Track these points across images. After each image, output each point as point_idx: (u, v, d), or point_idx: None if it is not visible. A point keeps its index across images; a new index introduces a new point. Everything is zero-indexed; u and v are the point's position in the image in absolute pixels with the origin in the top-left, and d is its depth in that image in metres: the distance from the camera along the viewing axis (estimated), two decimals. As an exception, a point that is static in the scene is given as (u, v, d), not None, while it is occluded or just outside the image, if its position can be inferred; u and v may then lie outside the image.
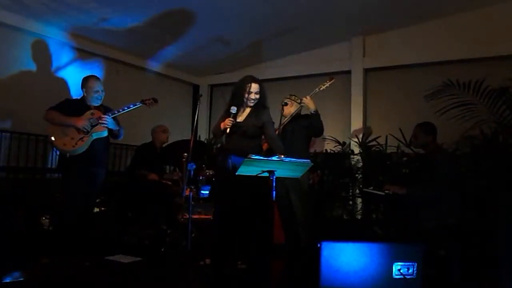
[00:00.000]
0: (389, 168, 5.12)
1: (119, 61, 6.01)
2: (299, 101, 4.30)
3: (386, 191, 3.76)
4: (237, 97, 3.49)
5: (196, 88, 7.43)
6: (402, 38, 5.78)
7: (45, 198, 4.49)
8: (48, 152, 5.06)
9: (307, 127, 4.13)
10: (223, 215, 3.39)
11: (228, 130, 3.34)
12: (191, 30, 5.48)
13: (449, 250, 3.37)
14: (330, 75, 4.39)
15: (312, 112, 4.02)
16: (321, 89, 4.18)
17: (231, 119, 3.36)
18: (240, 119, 3.48)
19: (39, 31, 5.04)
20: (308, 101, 4.04)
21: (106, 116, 3.89)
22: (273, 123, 3.58)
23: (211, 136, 6.64)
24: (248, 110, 3.52)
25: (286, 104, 4.19)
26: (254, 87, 3.45)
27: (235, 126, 3.39)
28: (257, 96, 3.46)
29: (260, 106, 3.51)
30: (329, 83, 4.20)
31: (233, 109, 3.38)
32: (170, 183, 4.82)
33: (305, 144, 4.21)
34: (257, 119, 3.47)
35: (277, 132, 3.95)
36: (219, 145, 5.83)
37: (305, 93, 4.19)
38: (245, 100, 3.46)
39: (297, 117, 4.23)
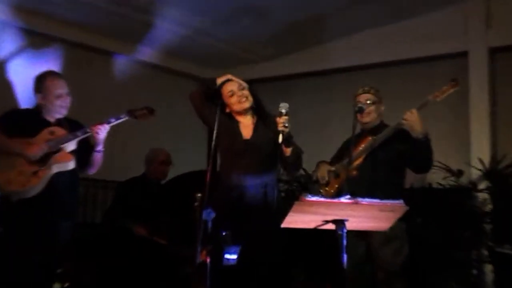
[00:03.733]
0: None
1: (89, 47, 6.10)
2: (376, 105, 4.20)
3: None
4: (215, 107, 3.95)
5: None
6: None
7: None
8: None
9: (402, 153, 4.06)
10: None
11: (280, 139, 3.63)
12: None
13: None
14: (429, 60, 4.28)
15: (419, 137, 3.91)
16: (437, 99, 4.00)
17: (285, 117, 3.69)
18: (244, 135, 3.93)
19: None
20: (413, 118, 3.88)
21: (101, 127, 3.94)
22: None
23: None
24: (246, 122, 4.01)
25: (361, 110, 4.06)
26: (231, 84, 3.96)
27: (245, 144, 3.88)
28: (245, 92, 3.94)
29: (263, 112, 4.03)
30: (451, 90, 4.01)
31: (284, 106, 3.70)
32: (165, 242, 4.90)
33: (396, 175, 4.17)
34: (269, 131, 3.88)
35: (357, 163, 4.08)
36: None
37: (389, 96, 4.11)
38: (233, 107, 3.96)
39: (389, 135, 4.14)
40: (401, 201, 3.02)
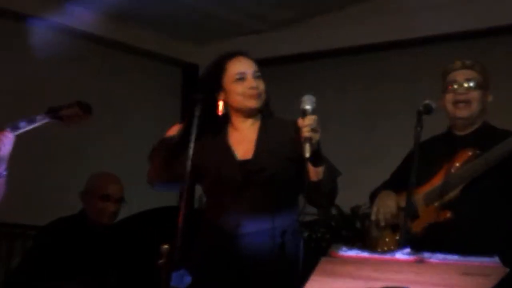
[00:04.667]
0: None
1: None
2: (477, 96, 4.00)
3: None
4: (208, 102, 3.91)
5: (189, 73, 7.84)
6: None
7: None
8: None
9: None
10: None
11: (308, 152, 3.51)
12: None
13: None
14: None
15: None
16: None
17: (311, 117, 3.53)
18: (241, 153, 3.94)
19: None
20: None
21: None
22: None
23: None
24: (245, 130, 4.04)
25: (429, 110, 3.81)
26: (245, 64, 3.99)
27: (241, 167, 3.83)
28: (260, 85, 3.97)
29: (270, 113, 4.06)
30: None
31: (309, 100, 3.65)
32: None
33: (502, 215, 4.05)
34: (282, 142, 3.83)
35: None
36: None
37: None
38: (235, 98, 3.94)
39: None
40: (496, 259, 2.97)
